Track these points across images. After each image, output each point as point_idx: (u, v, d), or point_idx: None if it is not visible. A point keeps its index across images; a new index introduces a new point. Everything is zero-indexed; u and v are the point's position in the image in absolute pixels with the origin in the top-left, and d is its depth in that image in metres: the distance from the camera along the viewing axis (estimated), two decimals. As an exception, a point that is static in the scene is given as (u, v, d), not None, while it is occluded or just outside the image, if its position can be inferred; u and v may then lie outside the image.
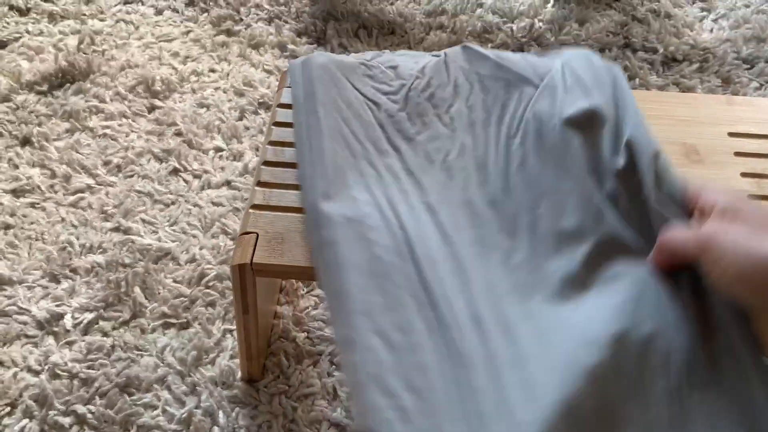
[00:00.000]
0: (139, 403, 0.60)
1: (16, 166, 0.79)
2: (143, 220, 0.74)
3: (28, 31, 0.97)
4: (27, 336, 0.64)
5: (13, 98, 0.87)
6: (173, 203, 0.76)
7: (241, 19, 1.01)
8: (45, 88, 0.88)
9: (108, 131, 0.83)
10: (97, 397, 0.60)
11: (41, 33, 0.97)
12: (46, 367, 0.62)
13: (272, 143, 0.56)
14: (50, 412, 0.59)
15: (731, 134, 0.59)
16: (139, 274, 0.69)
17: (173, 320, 0.66)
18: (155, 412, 0.59)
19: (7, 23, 0.98)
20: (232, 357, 0.63)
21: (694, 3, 1.09)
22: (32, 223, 0.74)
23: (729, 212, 0.41)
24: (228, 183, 0.78)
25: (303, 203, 0.51)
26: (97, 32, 0.97)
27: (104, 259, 0.70)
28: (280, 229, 0.50)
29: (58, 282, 0.68)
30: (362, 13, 1.03)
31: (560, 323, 0.42)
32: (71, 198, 0.76)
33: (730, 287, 0.39)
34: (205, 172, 0.79)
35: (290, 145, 0.56)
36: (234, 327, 0.65)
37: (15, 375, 0.61)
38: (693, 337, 0.41)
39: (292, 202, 0.52)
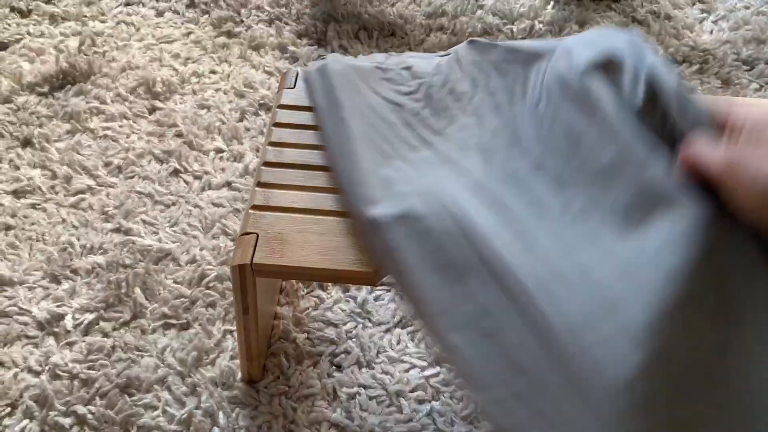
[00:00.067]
0: (139, 403, 0.60)
1: (17, 167, 0.79)
2: (144, 221, 0.74)
3: (29, 33, 0.97)
4: (27, 337, 0.64)
5: (14, 99, 0.87)
6: (174, 204, 0.76)
7: (242, 21, 1.01)
8: (46, 89, 0.88)
9: (109, 132, 0.84)
10: (97, 398, 0.60)
11: (42, 34, 0.97)
12: (47, 368, 0.62)
13: (272, 144, 0.57)
14: (50, 413, 0.59)
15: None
16: (140, 274, 0.69)
17: (173, 321, 0.66)
18: (155, 413, 0.60)
19: (8, 25, 0.98)
20: (232, 358, 0.63)
21: (694, 5, 1.09)
22: (33, 224, 0.74)
23: (755, 134, 0.39)
24: (228, 184, 0.79)
25: (348, 211, 0.51)
26: (98, 34, 0.97)
27: (105, 260, 0.70)
28: (280, 230, 0.50)
29: (58, 283, 0.69)
30: (363, 15, 1.03)
31: (635, 255, 0.42)
32: (72, 199, 0.76)
33: (752, 213, 0.38)
34: (206, 173, 0.80)
35: (290, 146, 0.56)
36: (234, 328, 0.65)
37: (15, 375, 0.61)
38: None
39: (292, 203, 0.52)
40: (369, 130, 0.54)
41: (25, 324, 0.65)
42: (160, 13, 1.02)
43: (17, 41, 0.95)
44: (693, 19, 1.06)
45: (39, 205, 0.76)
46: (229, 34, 0.99)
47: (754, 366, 0.39)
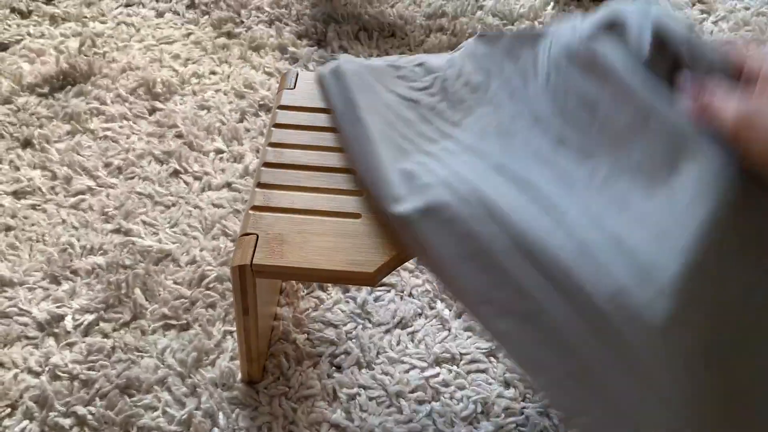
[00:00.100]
0: (139, 404, 0.60)
1: (17, 168, 0.79)
2: (144, 222, 0.74)
3: (29, 34, 0.97)
4: (27, 337, 0.64)
5: (14, 100, 0.87)
6: (174, 205, 0.76)
7: (242, 22, 1.01)
8: (46, 90, 0.88)
9: (109, 133, 0.84)
10: (97, 399, 0.60)
11: (42, 35, 0.97)
12: (47, 369, 0.62)
13: (272, 145, 0.57)
14: (50, 414, 0.59)
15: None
16: (140, 275, 0.69)
17: (173, 322, 0.66)
18: (155, 414, 0.60)
19: (9, 26, 0.98)
20: (232, 358, 0.63)
21: (694, 5, 1.09)
22: (33, 224, 0.74)
23: None
24: (228, 185, 0.79)
25: (378, 207, 0.51)
26: (98, 34, 0.97)
27: (105, 261, 0.70)
28: (280, 231, 0.50)
29: (58, 283, 0.69)
30: (363, 16, 1.03)
31: (666, 214, 0.41)
32: (72, 200, 0.76)
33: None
34: (206, 173, 0.80)
35: (290, 146, 0.56)
36: (234, 328, 0.65)
37: (15, 376, 0.61)
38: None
39: (292, 204, 0.52)
40: (387, 128, 0.54)
41: (25, 325, 0.65)
42: (160, 14, 1.02)
43: (17, 42, 0.95)
44: (693, 19, 1.06)
45: (39, 205, 0.76)
46: (229, 35, 0.99)
47: None
